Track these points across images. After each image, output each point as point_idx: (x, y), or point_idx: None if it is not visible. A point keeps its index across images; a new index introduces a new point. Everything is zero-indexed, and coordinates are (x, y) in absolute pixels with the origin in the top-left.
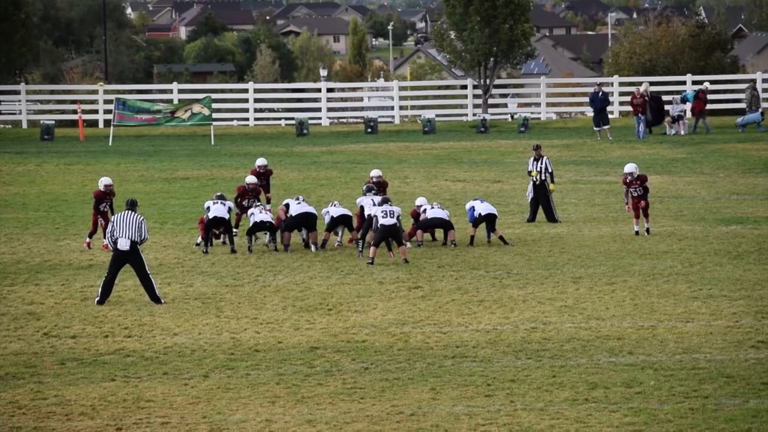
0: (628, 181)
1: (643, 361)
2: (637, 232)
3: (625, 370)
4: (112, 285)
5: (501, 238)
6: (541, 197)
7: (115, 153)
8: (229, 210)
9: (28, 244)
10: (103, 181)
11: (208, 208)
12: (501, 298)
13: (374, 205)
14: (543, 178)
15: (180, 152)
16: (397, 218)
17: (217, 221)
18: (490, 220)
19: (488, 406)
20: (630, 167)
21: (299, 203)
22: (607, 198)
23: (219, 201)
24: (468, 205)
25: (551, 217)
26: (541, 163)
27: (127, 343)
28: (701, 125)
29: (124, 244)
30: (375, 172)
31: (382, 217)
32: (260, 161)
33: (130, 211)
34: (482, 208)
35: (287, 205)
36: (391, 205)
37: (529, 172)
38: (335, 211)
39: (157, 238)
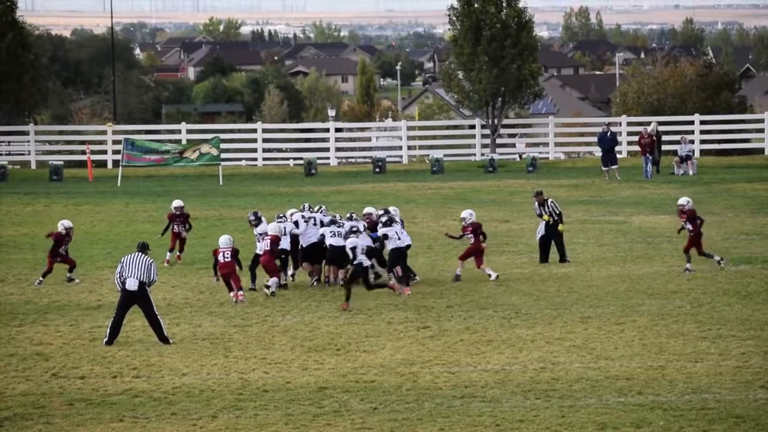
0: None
1: (652, 402)
2: (686, 269)
3: (634, 410)
4: (120, 325)
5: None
6: (555, 236)
7: (124, 193)
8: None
9: (36, 285)
10: (64, 224)
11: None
12: (510, 338)
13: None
14: (555, 218)
15: (188, 192)
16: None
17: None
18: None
19: None
20: (681, 200)
21: (320, 212)
22: (615, 238)
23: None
24: (380, 231)
25: (564, 257)
26: (548, 207)
27: (135, 383)
28: None
29: (132, 284)
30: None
31: (330, 236)
32: (176, 203)
33: (140, 253)
34: (401, 240)
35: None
36: (340, 226)
37: (540, 215)
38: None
39: (165, 278)
